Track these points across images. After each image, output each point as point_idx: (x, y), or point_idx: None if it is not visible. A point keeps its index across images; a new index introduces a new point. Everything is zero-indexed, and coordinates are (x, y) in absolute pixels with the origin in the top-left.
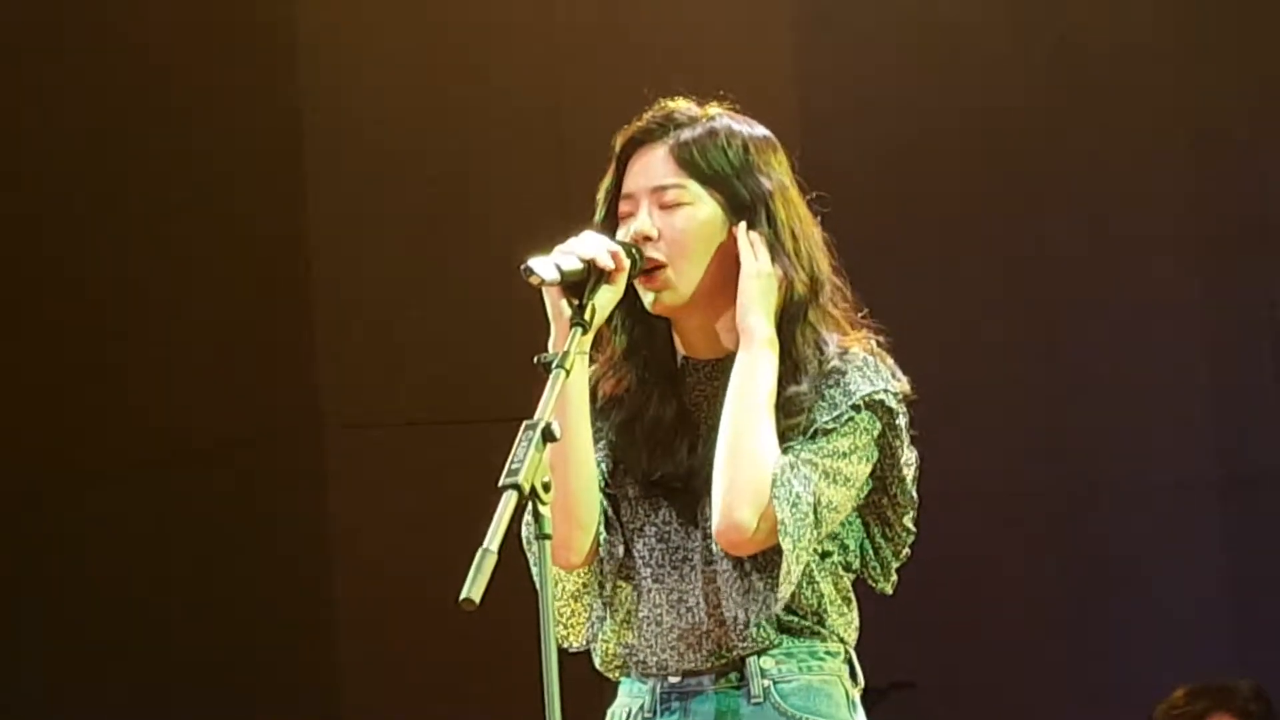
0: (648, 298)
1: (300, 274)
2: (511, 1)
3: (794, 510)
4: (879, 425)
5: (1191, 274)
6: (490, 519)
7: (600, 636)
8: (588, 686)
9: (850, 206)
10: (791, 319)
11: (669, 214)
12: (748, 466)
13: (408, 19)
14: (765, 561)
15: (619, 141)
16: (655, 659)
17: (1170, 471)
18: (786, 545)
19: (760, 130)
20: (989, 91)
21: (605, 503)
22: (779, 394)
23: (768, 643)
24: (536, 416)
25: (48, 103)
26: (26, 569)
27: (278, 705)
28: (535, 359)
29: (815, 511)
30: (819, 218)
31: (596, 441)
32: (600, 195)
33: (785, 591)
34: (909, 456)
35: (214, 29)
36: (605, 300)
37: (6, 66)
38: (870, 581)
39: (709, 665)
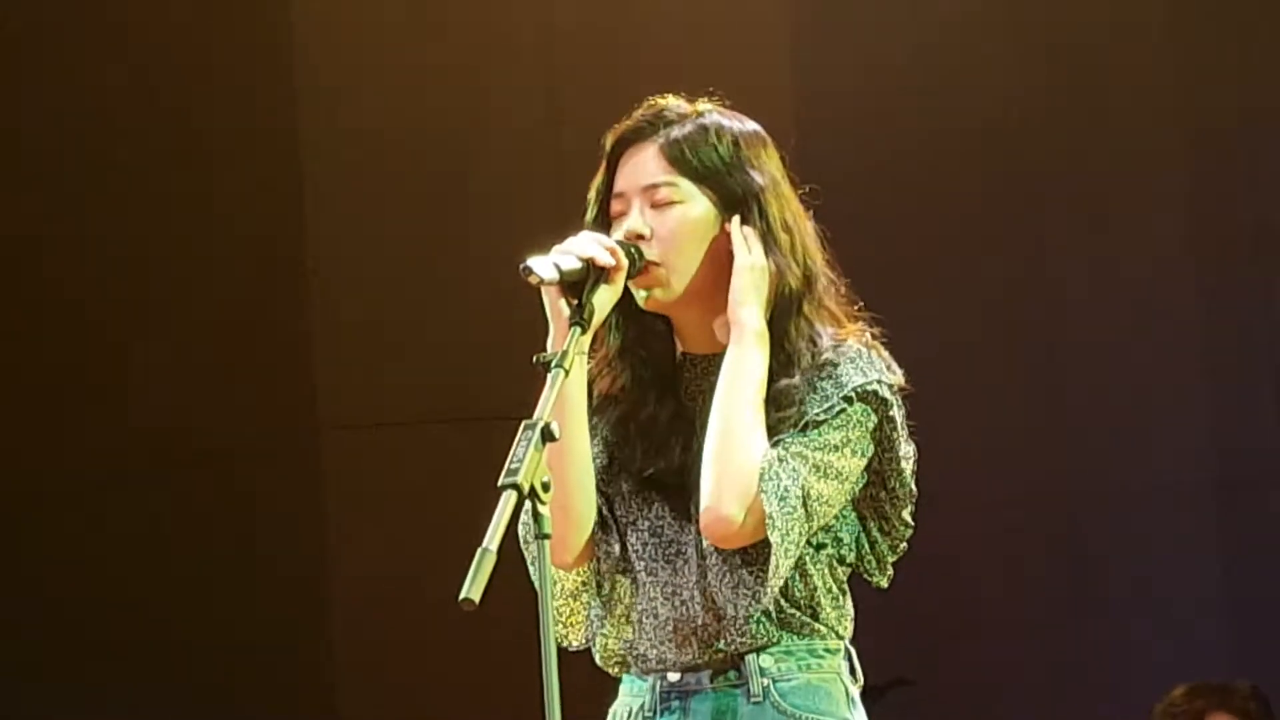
0: (639, 295)
1: (297, 276)
2: (509, 3)
3: (782, 504)
4: (874, 418)
5: (1189, 275)
6: (489, 519)
7: (600, 633)
8: (587, 686)
9: (848, 206)
10: (784, 312)
11: (661, 213)
12: (735, 459)
13: (405, 20)
14: (755, 555)
15: (609, 140)
16: (654, 652)
17: (1169, 471)
18: (775, 539)
19: (750, 125)
20: (987, 91)
21: (600, 501)
22: (770, 386)
23: (766, 639)
24: (536, 416)
25: (44, 103)
26: (26, 570)
27: (275, 706)
28: (534, 359)
29: (805, 505)
30: (811, 211)
31: (592, 438)
32: (592, 194)
33: (774, 585)
34: (906, 449)
35: (212, 32)
36: (604, 299)
37: (2, 65)
38: (865, 575)
39: (706, 659)
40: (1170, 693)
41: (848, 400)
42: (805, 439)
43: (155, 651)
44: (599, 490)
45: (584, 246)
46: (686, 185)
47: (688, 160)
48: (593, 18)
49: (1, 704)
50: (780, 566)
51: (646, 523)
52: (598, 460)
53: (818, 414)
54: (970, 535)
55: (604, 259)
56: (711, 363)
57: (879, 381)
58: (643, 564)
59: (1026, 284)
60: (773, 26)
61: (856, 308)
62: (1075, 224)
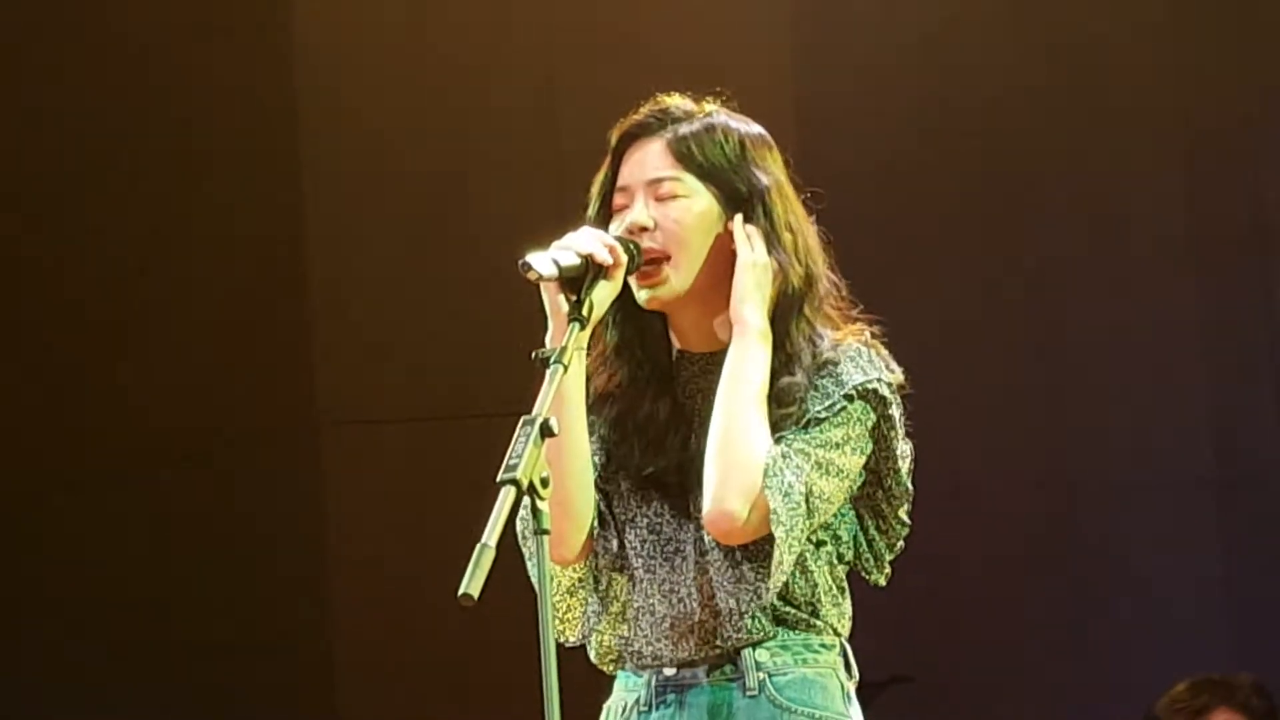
0: (641, 295)
1: (296, 272)
2: (509, 3)
3: (786, 500)
4: (873, 415)
5: (1189, 274)
6: (488, 514)
7: (596, 629)
8: (586, 683)
9: (847, 204)
10: (786, 311)
11: (664, 205)
12: (739, 456)
13: (404, 18)
14: (756, 551)
15: (615, 135)
16: (650, 649)
17: (1168, 470)
18: (779, 534)
19: (756, 128)
20: (986, 90)
21: (598, 497)
22: (772, 385)
23: (762, 634)
24: (534, 412)
25: (42, 102)
26: (25, 569)
27: (276, 705)
28: (533, 354)
29: (807, 501)
30: (814, 216)
31: (590, 436)
32: (595, 189)
33: (778, 581)
34: (903, 448)
35: (211, 30)
36: (603, 295)
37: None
38: (863, 573)
39: (703, 656)
40: (1172, 689)
41: (848, 398)
42: (807, 436)
43: (155, 651)
44: (597, 487)
45: (583, 243)
46: (691, 181)
47: (693, 156)
48: (593, 17)
49: (1, 704)
50: (784, 562)
51: (645, 520)
52: (596, 458)
53: (819, 411)
54: (969, 533)
55: (602, 256)
56: (709, 361)
57: (879, 380)
58: (640, 561)
59: (1026, 284)
60: (773, 26)
61: (856, 311)
62: (1075, 224)
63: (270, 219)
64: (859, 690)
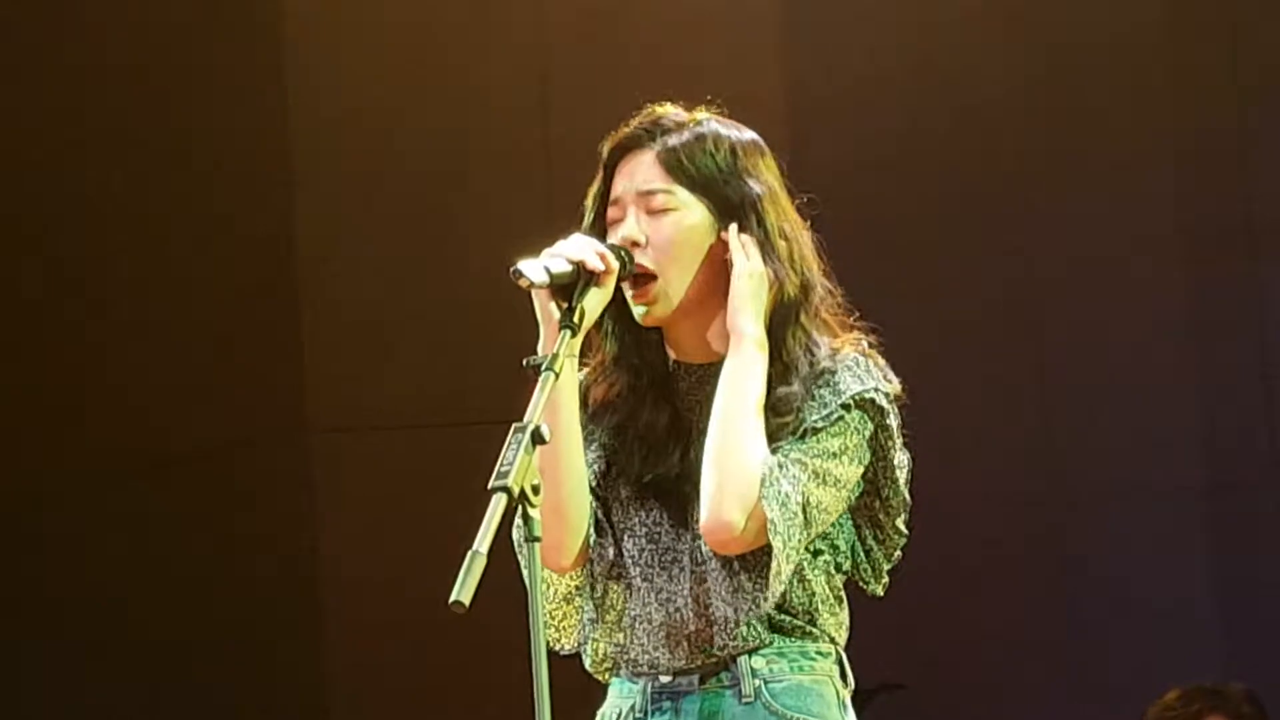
0: (638, 311)
1: (287, 277)
2: (503, 1)
3: (783, 510)
4: (870, 425)
5: (1181, 276)
6: (479, 522)
7: (591, 637)
8: (577, 690)
9: (840, 207)
10: (782, 320)
11: (656, 219)
12: (736, 466)
13: (396, 18)
14: (754, 561)
15: (606, 147)
16: (646, 657)
17: (1160, 476)
18: (777, 544)
19: (748, 134)
20: (978, 91)
21: (596, 505)
22: (769, 394)
23: (758, 642)
24: (526, 419)
25: (42, 103)
26: (23, 569)
27: (269, 707)
28: (524, 361)
29: (805, 511)
30: (809, 221)
31: (588, 444)
32: (588, 201)
33: (776, 590)
34: (901, 458)
35: (202, 30)
36: (594, 302)
37: None
38: (861, 583)
39: (699, 664)
40: (1163, 697)
41: (845, 408)
42: (804, 446)
43: (147, 652)
44: (596, 495)
45: (574, 250)
46: (683, 193)
47: (684, 168)
48: (587, 17)
49: (1, 704)
50: (781, 572)
51: (644, 529)
52: (596, 465)
53: (816, 421)
54: (963, 539)
55: (593, 263)
56: (706, 371)
57: (876, 390)
58: (638, 570)
59: (1020, 286)
60: (765, 22)
61: (853, 318)
62: (1067, 225)
63: (262, 224)
64: (852, 697)
